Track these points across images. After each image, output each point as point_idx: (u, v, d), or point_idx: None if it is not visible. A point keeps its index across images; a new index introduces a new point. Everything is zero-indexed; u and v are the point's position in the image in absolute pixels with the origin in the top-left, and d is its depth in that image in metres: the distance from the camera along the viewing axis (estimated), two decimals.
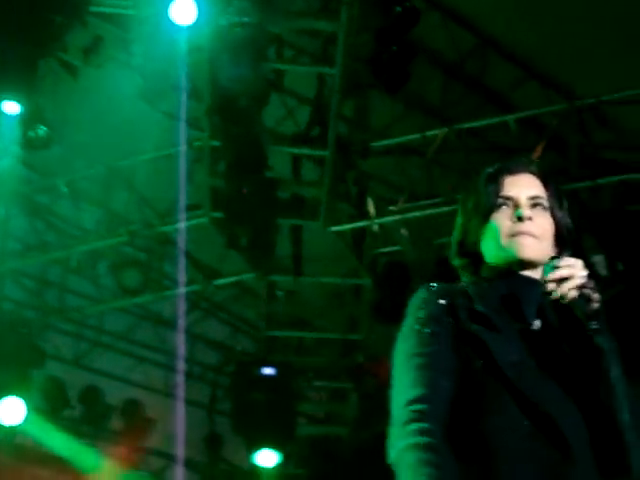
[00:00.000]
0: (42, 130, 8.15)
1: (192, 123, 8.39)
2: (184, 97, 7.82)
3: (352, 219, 8.70)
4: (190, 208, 8.76)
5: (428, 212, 8.24)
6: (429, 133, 8.22)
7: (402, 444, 2.48)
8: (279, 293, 10.00)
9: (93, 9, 7.36)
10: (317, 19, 7.42)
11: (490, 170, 2.86)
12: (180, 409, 9.89)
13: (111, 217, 9.31)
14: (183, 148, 8.52)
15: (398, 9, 7.10)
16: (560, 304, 2.56)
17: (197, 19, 7.22)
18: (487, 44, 7.89)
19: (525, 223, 2.71)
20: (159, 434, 11.05)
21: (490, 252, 2.76)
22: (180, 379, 10.91)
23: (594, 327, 2.52)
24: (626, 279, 7.80)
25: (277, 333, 10.26)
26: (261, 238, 8.49)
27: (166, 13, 7.19)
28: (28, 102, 7.71)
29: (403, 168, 8.41)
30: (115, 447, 10.97)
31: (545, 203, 2.78)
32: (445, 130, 8.14)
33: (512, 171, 2.84)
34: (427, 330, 2.67)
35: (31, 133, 8.12)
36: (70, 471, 10.38)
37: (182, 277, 9.34)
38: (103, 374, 10.93)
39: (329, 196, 8.41)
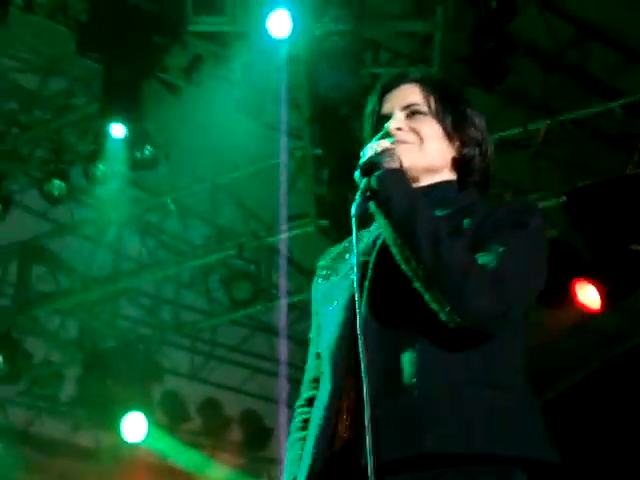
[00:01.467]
0: (148, 150, 8.29)
1: (292, 133, 8.46)
2: (284, 108, 7.89)
3: None
4: (296, 217, 8.83)
5: None
6: (531, 126, 8.13)
7: None
8: None
9: (191, 28, 7.47)
10: (413, 21, 7.39)
11: (371, 92, 2.67)
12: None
13: (218, 231, 9.45)
14: (284, 159, 8.59)
15: (494, 4, 7.04)
16: None
17: (293, 31, 7.27)
18: (586, 32, 7.77)
19: (396, 135, 2.50)
20: (277, 443, 11.13)
21: None
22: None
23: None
24: None
25: None
26: None
27: (263, 27, 7.27)
28: (134, 124, 7.88)
29: (507, 163, 8.31)
30: (235, 457, 11.10)
31: (423, 109, 2.56)
32: (548, 122, 8.04)
33: (388, 87, 2.64)
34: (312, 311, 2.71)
35: (138, 154, 8.28)
36: None
37: (286, 285, 9.44)
38: (219, 386, 11.08)
39: None
